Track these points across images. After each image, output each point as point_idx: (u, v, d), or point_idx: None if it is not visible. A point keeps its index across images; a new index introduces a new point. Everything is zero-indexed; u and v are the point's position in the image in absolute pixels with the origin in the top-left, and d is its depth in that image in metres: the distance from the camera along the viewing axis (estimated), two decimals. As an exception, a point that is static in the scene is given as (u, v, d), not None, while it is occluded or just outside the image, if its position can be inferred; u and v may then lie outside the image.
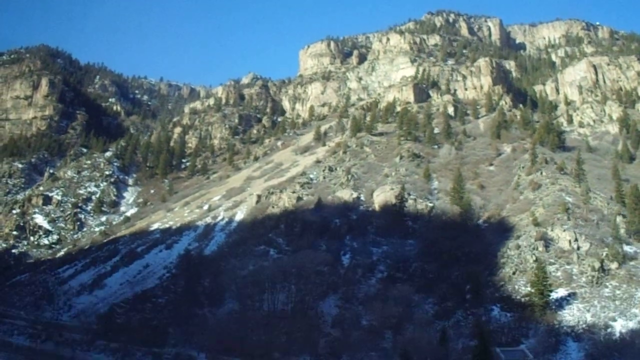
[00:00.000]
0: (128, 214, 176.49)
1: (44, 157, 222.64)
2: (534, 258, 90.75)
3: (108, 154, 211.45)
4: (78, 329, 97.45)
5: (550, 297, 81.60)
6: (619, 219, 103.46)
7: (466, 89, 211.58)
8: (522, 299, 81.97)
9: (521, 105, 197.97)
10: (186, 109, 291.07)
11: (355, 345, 78.31)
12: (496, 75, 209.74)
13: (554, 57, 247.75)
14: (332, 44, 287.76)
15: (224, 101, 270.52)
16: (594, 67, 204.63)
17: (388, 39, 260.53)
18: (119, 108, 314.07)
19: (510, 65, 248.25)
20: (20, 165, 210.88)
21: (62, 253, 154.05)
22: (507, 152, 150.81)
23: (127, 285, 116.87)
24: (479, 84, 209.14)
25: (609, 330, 73.01)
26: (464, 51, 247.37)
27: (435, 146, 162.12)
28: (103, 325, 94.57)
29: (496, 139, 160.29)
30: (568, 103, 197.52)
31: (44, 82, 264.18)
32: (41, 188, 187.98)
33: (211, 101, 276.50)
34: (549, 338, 72.41)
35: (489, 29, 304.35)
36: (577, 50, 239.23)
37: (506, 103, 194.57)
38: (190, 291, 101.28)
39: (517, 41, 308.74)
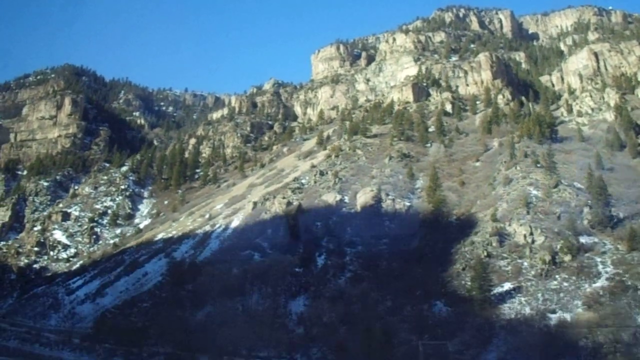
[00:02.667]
0: (141, 225, 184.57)
1: (69, 174, 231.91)
2: (485, 254, 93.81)
3: (124, 168, 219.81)
4: (72, 334, 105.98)
5: (494, 292, 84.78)
6: (585, 209, 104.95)
7: (467, 85, 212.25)
8: (467, 294, 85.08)
9: (523, 98, 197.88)
10: (210, 118, 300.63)
11: (312, 341, 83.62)
12: (496, 69, 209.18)
13: (562, 46, 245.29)
14: (342, 47, 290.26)
15: (237, 110, 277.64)
16: (595, 54, 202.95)
17: (394, 39, 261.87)
18: (142, 121, 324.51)
19: (520, 56, 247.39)
20: (45, 184, 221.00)
21: (77, 266, 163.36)
22: (495, 147, 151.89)
23: (125, 293, 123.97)
24: (479, 79, 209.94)
25: (543, 322, 75.65)
26: (472, 46, 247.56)
27: (428, 144, 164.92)
28: (95, 329, 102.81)
29: (487, 134, 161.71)
30: (571, 92, 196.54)
31: (67, 101, 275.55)
32: (60, 205, 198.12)
33: (225, 111, 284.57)
34: (482, 332, 75.52)
35: (500, 21, 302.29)
36: (584, 37, 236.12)
37: (504, 97, 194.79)
38: (174, 296, 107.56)
39: (530, 31, 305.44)
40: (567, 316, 76.34)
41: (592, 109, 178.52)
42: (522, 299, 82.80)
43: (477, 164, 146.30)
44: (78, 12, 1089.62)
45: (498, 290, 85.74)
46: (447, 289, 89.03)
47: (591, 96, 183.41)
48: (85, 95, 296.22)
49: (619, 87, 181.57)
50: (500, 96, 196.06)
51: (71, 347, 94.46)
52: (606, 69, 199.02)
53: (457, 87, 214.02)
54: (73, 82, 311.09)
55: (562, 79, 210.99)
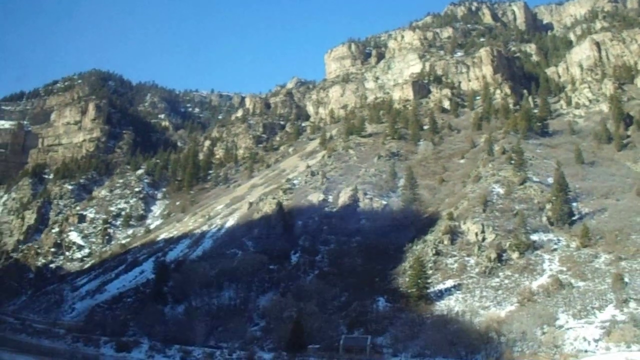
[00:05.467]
0: (152, 226, 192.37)
1: (93, 177, 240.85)
2: (434, 252, 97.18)
3: (139, 171, 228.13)
4: (58, 325, 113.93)
5: (435, 288, 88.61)
6: (548, 206, 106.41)
7: (469, 80, 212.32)
8: (407, 291, 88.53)
9: (525, 91, 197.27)
10: (233, 117, 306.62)
11: (269, 334, 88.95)
12: (497, 64, 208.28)
13: (571, 36, 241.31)
14: (353, 46, 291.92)
15: (251, 111, 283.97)
16: (597, 44, 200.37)
17: (402, 36, 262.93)
18: (167, 123, 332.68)
19: (530, 48, 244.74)
20: (69, 187, 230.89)
21: (88, 265, 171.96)
22: (481, 143, 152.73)
23: (122, 289, 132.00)
24: (480, 74, 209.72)
25: (471, 319, 78.49)
26: (482, 39, 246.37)
27: (420, 142, 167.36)
28: (85, 322, 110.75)
29: (476, 131, 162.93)
30: (574, 84, 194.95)
31: (91, 106, 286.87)
32: (77, 208, 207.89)
33: (239, 112, 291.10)
34: (411, 327, 79.13)
35: (514, 12, 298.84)
36: (590, 27, 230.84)
37: (502, 91, 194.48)
38: (158, 292, 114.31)
39: (544, 22, 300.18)
40: (499, 313, 79.07)
41: (590, 101, 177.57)
42: (460, 296, 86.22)
43: (462, 161, 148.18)
44: (105, 18, 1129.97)
45: (440, 287, 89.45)
46: (391, 286, 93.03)
47: (590, 87, 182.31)
48: (109, 100, 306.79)
49: (617, 78, 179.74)
50: (498, 91, 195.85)
51: (50, 336, 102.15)
52: (608, 59, 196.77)
53: (459, 82, 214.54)
54: (97, 88, 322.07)
55: (568, 70, 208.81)
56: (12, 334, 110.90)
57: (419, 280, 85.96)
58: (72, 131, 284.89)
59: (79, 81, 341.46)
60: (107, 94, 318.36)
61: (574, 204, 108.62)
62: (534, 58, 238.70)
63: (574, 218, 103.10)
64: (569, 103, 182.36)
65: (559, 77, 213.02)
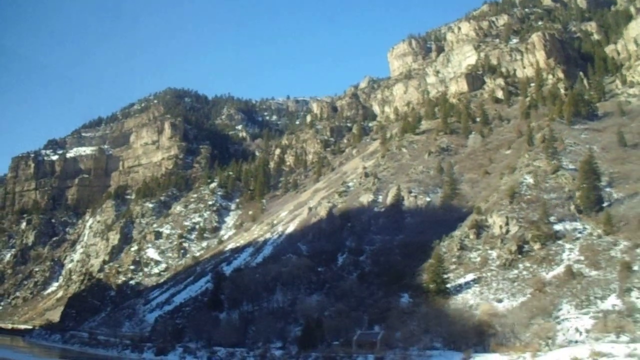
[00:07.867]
0: (225, 237, 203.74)
1: (173, 194, 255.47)
2: (458, 246, 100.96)
3: (212, 185, 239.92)
4: (129, 337, 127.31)
5: (455, 283, 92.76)
6: (578, 193, 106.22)
7: (524, 67, 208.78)
8: (430, 286, 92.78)
9: (581, 73, 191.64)
10: (302, 123, 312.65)
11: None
12: (550, 48, 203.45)
13: (632, 10, 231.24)
14: (414, 42, 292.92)
15: (319, 116, 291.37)
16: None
17: (459, 28, 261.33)
18: (244, 134, 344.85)
19: (591, 27, 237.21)
20: (150, 205, 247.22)
21: (163, 279, 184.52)
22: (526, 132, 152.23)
23: (188, 300, 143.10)
24: (534, 60, 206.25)
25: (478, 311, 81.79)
26: (540, 23, 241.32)
27: (471, 135, 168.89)
28: (150, 332, 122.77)
29: (525, 119, 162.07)
30: (630, 61, 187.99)
31: (167, 125, 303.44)
32: (154, 225, 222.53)
33: (308, 118, 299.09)
34: (426, 321, 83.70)
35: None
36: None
37: (554, 76, 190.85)
38: (214, 300, 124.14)
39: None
40: (510, 305, 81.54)
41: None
42: (477, 289, 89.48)
43: (508, 152, 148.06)
44: (177, 37, 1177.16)
45: (460, 281, 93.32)
46: (416, 282, 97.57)
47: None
48: (184, 117, 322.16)
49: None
50: (550, 76, 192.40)
51: (107, 346, 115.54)
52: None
53: (514, 70, 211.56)
54: (172, 106, 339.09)
55: (626, 47, 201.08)
56: (79, 346, 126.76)
57: (437, 275, 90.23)
58: (151, 151, 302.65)
59: (155, 101, 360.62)
60: (182, 111, 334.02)
61: (608, 190, 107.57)
62: (595, 37, 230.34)
63: (603, 205, 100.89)
64: (624, 82, 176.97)
65: (618, 54, 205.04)
